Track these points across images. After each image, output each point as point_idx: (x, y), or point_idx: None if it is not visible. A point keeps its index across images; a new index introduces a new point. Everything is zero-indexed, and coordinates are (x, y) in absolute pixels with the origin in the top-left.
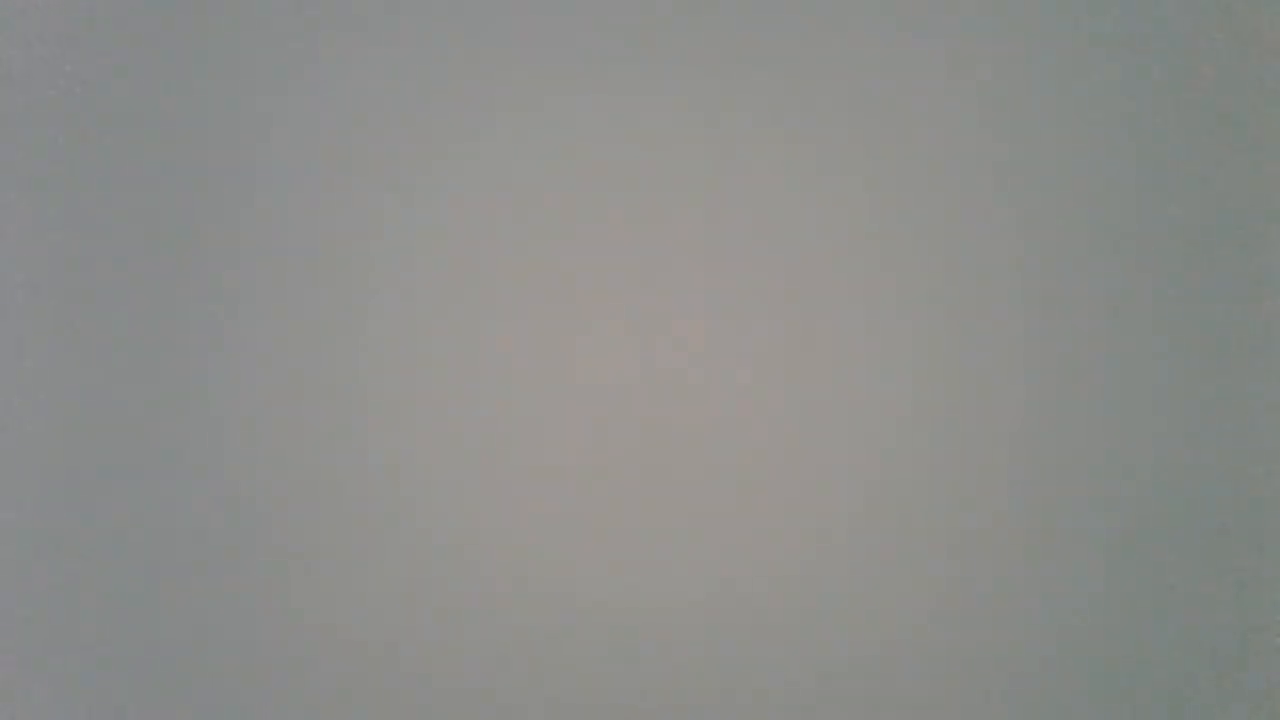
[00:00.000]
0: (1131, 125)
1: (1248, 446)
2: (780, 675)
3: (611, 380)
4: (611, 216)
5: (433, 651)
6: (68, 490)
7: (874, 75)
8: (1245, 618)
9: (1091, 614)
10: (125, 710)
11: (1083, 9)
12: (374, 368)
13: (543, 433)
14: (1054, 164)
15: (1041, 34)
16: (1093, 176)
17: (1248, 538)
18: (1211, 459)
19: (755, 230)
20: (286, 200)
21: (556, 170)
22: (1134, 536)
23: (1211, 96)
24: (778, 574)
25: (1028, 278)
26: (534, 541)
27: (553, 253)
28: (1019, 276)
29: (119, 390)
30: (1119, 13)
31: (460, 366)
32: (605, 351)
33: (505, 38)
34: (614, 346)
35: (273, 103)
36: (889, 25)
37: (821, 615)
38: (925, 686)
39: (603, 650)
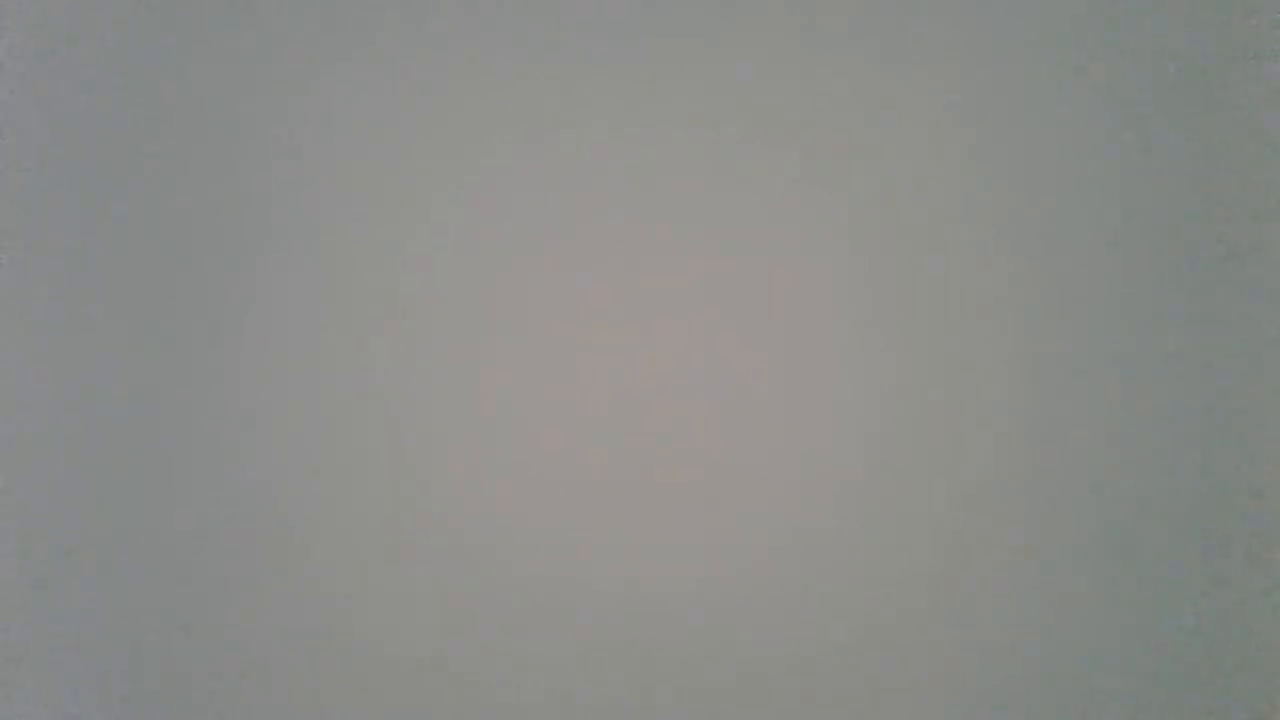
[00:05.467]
0: (1130, 127)
1: (1246, 446)
2: (776, 665)
3: (612, 382)
4: (611, 223)
5: (438, 646)
6: (75, 491)
7: (870, 79)
8: (1240, 613)
9: (1079, 609)
10: (132, 710)
11: (1080, 13)
12: (381, 373)
13: (545, 432)
14: (1051, 166)
15: (1039, 37)
16: (1092, 178)
17: (1246, 535)
18: (1208, 460)
19: (753, 235)
20: (298, 207)
21: (558, 179)
22: (1127, 537)
23: (1211, 98)
24: (774, 570)
25: (1023, 280)
26: (539, 539)
27: (555, 259)
28: (1014, 279)
29: (128, 392)
30: (1118, 15)
31: (466, 369)
32: (605, 354)
33: (509, 45)
34: (614, 349)
35: (285, 108)
36: (886, 31)
37: (819, 610)
38: (918, 680)
39: (605, 642)
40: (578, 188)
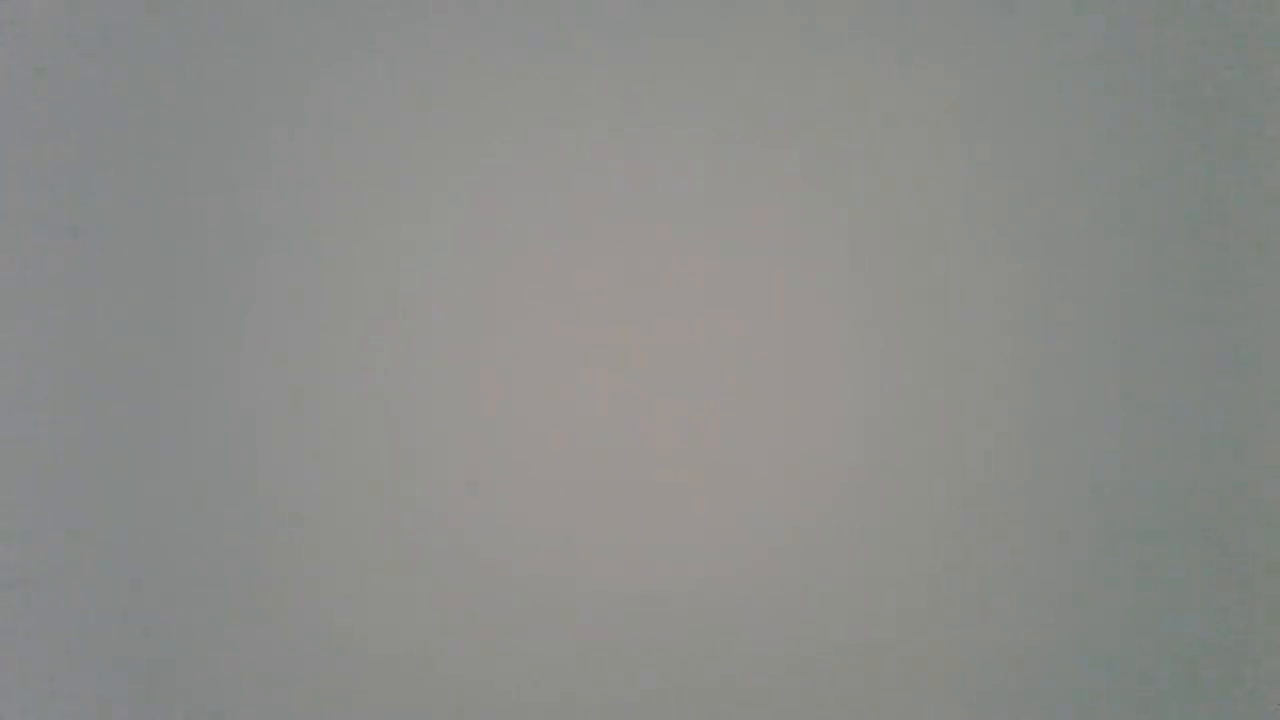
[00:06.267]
0: (1130, 127)
1: (1246, 446)
2: (776, 665)
3: (613, 382)
4: (611, 223)
5: (438, 646)
6: (75, 490)
7: (871, 79)
8: (1241, 613)
9: (1079, 609)
10: (133, 710)
11: (1080, 14)
12: (381, 373)
13: (545, 432)
14: (1052, 166)
15: (1039, 37)
16: (1092, 178)
17: (1246, 535)
18: (1208, 459)
19: (753, 235)
20: (298, 207)
21: (558, 179)
22: (1128, 537)
23: (1211, 98)
24: (774, 570)
25: (1023, 280)
26: (539, 539)
27: (555, 259)
28: (1014, 279)
29: (128, 391)
30: (1118, 15)
31: (466, 369)
32: (606, 354)
33: (509, 45)
34: (614, 349)
35: (285, 108)
36: (886, 31)
37: (819, 610)
38: (918, 680)
39: (605, 642)
40: (578, 188)
